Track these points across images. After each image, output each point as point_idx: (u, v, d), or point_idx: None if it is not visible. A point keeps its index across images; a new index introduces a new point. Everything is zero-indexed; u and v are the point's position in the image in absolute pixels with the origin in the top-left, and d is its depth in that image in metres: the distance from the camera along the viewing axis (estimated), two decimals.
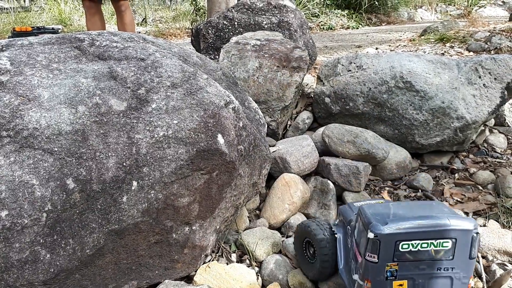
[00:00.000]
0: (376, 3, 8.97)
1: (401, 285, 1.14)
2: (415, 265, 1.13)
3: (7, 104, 1.22)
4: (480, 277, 1.50)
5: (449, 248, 1.13)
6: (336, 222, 1.49)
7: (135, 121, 1.30)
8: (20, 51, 1.42)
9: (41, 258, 1.13)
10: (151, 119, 1.31)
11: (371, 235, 1.10)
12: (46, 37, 1.56)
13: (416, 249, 1.11)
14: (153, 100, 1.35)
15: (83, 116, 1.26)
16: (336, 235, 1.42)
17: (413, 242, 1.11)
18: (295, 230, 1.57)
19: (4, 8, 8.43)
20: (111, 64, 1.44)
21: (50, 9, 7.98)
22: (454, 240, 1.12)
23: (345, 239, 1.39)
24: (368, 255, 1.12)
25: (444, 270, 1.15)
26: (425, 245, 1.12)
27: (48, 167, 1.16)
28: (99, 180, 1.20)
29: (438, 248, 1.12)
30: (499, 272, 1.48)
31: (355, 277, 1.20)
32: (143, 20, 8.53)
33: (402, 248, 1.11)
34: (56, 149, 1.19)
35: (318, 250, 1.41)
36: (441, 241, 1.12)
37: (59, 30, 3.79)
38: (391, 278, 1.13)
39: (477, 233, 1.13)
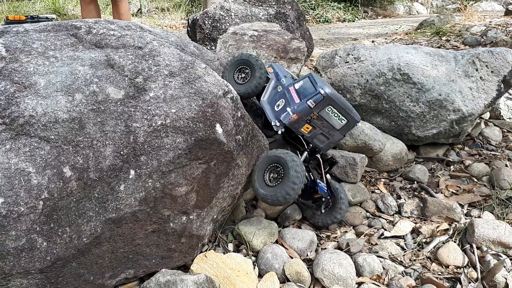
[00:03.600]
0: None
1: (307, 127, 1.67)
2: (322, 121, 1.66)
3: (3, 91, 1.20)
4: (474, 268, 1.51)
5: (342, 124, 1.70)
6: (268, 72, 1.91)
7: (132, 109, 1.29)
8: (15, 38, 1.40)
9: (38, 246, 1.12)
10: (149, 108, 1.30)
11: (322, 92, 1.58)
12: (42, 24, 1.54)
13: (331, 115, 1.65)
14: (151, 89, 1.34)
15: (80, 104, 1.25)
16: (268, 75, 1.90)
17: (334, 110, 1.64)
18: (231, 60, 1.92)
19: None
20: (108, 52, 1.42)
21: None
22: (347, 121, 1.69)
23: (275, 85, 1.83)
24: (310, 101, 1.60)
25: (329, 133, 1.71)
26: (336, 116, 1.66)
27: (45, 155, 1.15)
28: (96, 168, 1.19)
29: (338, 120, 1.68)
30: (493, 262, 1.49)
31: (288, 109, 1.66)
32: (138, 10, 8.45)
33: (327, 109, 1.63)
34: (52, 137, 1.18)
35: (255, 71, 1.84)
36: (343, 118, 1.68)
37: (53, 19, 3.74)
38: (307, 120, 1.65)
39: (357, 124, 1.77)
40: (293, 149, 1.81)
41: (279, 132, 1.68)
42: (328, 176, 1.94)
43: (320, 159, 1.79)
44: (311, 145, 1.76)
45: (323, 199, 1.71)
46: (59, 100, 1.23)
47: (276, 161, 1.55)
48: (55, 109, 1.21)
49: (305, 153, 1.75)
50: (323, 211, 1.74)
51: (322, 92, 1.57)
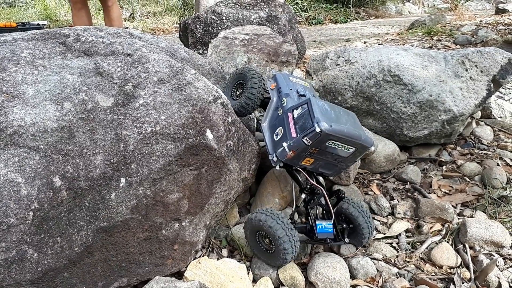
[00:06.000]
0: None
1: (309, 160, 1.53)
2: (325, 154, 1.50)
3: None
4: (468, 268, 1.52)
5: (350, 152, 1.52)
6: (270, 87, 1.75)
7: (122, 117, 1.28)
8: (3, 47, 1.39)
9: (28, 257, 1.11)
10: (138, 115, 1.30)
11: (318, 129, 1.39)
12: (30, 32, 1.53)
13: (334, 147, 1.48)
14: (140, 96, 1.34)
15: (69, 113, 1.24)
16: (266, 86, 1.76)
17: (337, 142, 1.46)
18: (230, 76, 1.85)
19: None
20: (97, 59, 1.42)
21: (35, 4, 7.84)
22: (356, 148, 1.51)
23: (276, 105, 1.67)
24: (306, 139, 1.42)
25: (336, 161, 1.57)
26: (340, 147, 1.48)
27: (34, 165, 1.15)
28: (86, 177, 1.19)
29: (344, 150, 1.50)
30: (485, 262, 1.50)
31: (284, 144, 1.50)
32: (130, 15, 8.44)
33: (328, 144, 1.45)
34: (42, 146, 1.17)
35: (247, 87, 1.73)
36: (350, 147, 1.50)
37: (45, 26, 3.73)
38: (307, 155, 1.50)
39: (370, 149, 1.57)
40: (295, 183, 1.68)
41: (277, 167, 1.56)
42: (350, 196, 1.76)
43: (325, 193, 1.59)
44: (308, 187, 1.61)
45: (329, 240, 1.54)
46: (48, 109, 1.23)
47: (259, 229, 1.47)
48: (44, 119, 1.21)
49: (303, 196, 1.60)
50: (346, 241, 1.60)
51: (317, 130, 1.39)
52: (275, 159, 1.55)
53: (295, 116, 1.53)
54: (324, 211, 1.63)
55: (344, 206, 1.62)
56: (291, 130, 1.51)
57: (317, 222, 1.53)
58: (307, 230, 1.56)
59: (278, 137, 1.57)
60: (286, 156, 1.49)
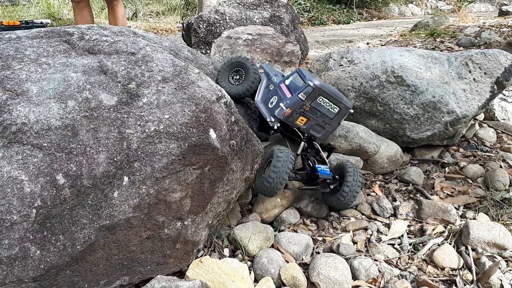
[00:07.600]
0: None
1: (302, 120, 1.75)
2: (315, 112, 1.74)
3: None
4: (470, 270, 1.52)
5: (335, 112, 1.77)
6: (260, 72, 1.98)
7: (125, 116, 1.29)
8: (7, 45, 1.39)
9: (31, 255, 1.11)
10: (142, 114, 1.30)
11: (311, 84, 1.66)
12: (34, 30, 1.54)
13: (323, 105, 1.73)
14: (144, 95, 1.34)
15: (73, 111, 1.24)
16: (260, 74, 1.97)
17: (325, 99, 1.72)
18: (227, 62, 1.98)
19: None
20: (101, 58, 1.42)
21: (39, 2, 7.86)
22: (340, 108, 1.77)
23: (267, 84, 1.90)
24: (301, 94, 1.68)
25: (324, 123, 1.80)
26: (328, 105, 1.74)
27: (38, 163, 1.15)
28: (89, 175, 1.19)
29: (331, 109, 1.76)
30: (488, 264, 1.50)
31: (281, 104, 1.73)
32: (133, 14, 8.45)
33: (318, 100, 1.71)
34: (45, 144, 1.17)
35: (249, 74, 1.91)
36: (335, 106, 1.76)
37: (48, 24, 3.74)
38: (301, 113, 1.73)
39: (350, 111, 1.81)
40: (291, 142, 1.88)
41: (275, 127, 1.74)
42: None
43: (318, 145, 1.85)
44: (307, 135, 1.82)
45: (328, 181, 1.74)
46: (52, 107, 1.23)
47: (270, 155, 1.67)
48: (47, 116, 1.21)
49: (302, 143, 1.80)
50: (330, 188, 1.78)
51: (311, 84, 1.66)
52: (273, 119, 1.75)
53: (287, 83, 1.78)
54: (319, 160, 1.84)
55: (341, 160, 1.86)
56: (285, 94, 1.75)
57: (316, 165, 1.75)
58: (308, 174, 1.77)
59: (274, 103, 1.78)
60: (284, 114, 1.71)
